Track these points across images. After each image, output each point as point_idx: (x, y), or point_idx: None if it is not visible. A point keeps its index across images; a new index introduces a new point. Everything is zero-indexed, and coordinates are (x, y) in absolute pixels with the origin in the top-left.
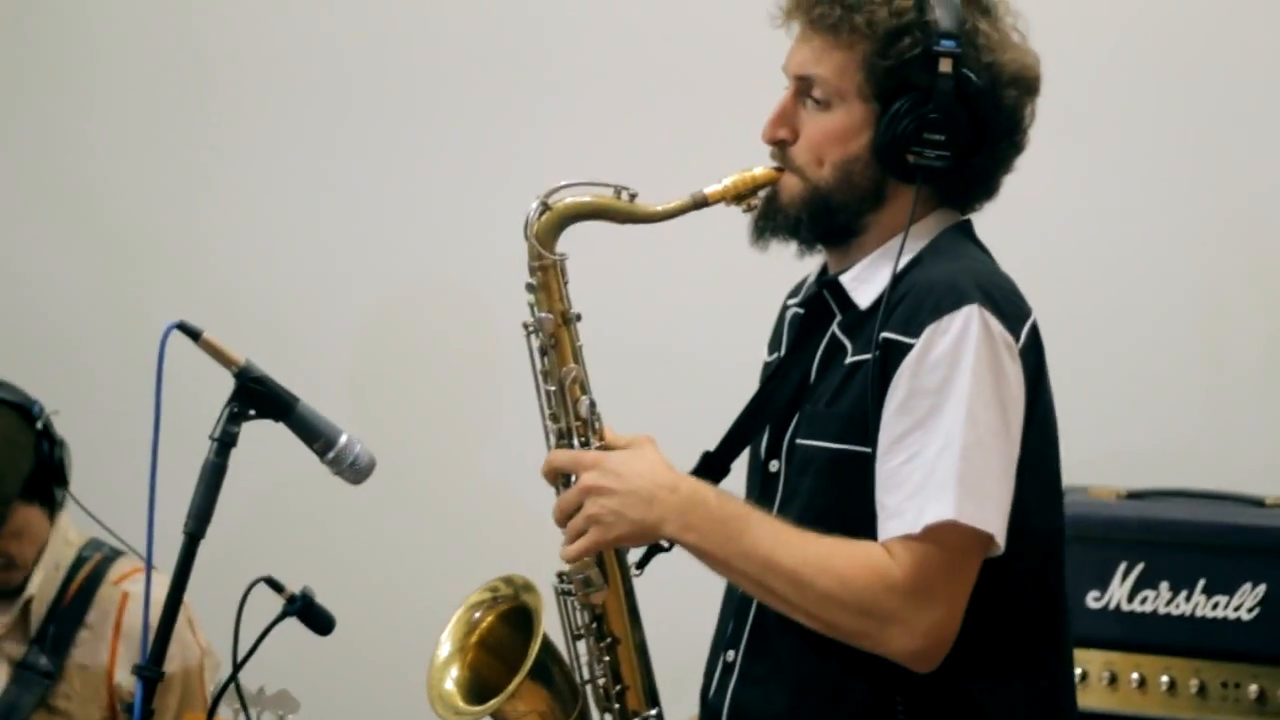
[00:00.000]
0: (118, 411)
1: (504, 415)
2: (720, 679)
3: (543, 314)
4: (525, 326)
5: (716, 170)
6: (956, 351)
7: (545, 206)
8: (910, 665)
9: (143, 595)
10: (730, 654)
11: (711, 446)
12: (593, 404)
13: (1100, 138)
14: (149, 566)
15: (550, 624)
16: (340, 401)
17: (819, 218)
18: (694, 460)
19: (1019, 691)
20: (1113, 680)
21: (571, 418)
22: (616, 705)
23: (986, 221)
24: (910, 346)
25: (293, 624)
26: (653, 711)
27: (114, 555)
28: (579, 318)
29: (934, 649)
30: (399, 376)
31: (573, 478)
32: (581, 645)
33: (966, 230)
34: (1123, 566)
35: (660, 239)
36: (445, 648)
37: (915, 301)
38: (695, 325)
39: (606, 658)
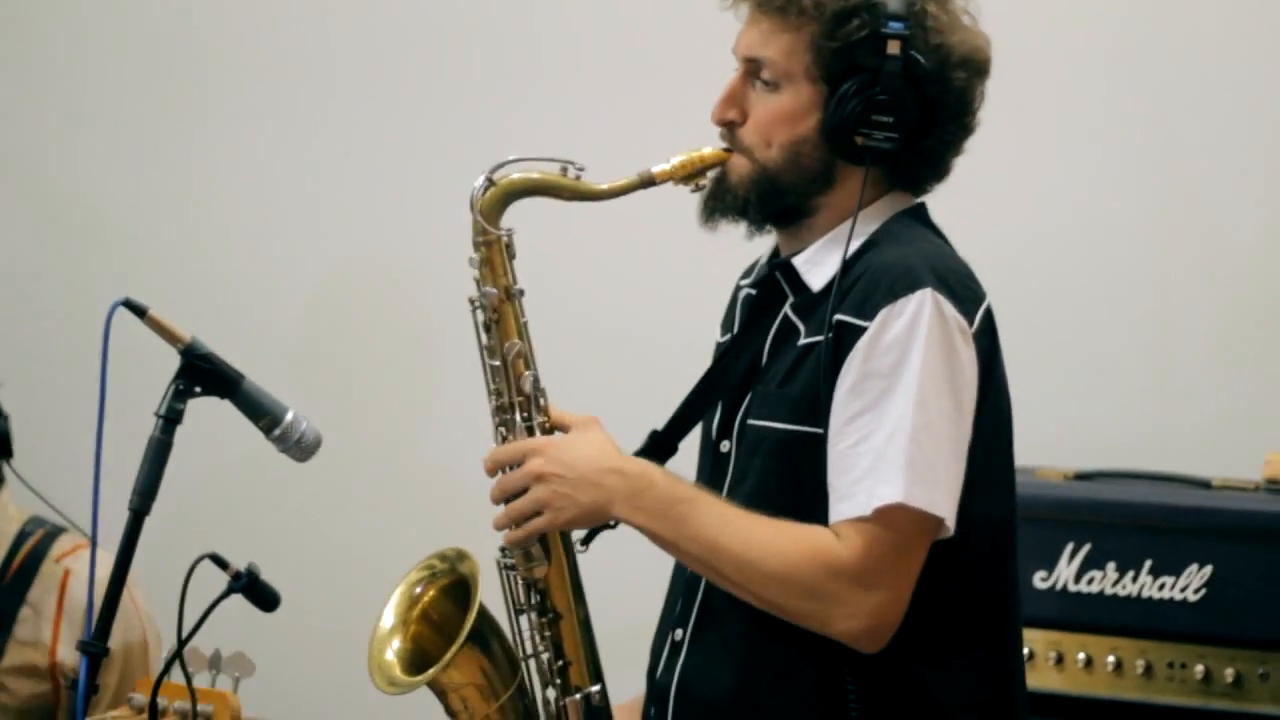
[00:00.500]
0: (62, 387)
1: (449, 390)
2: (668, 658)
3: (487, 289)
4: (471, 301)
5: (667, 151)
6: (909, 335)
7: (490, 182)
8: (855, 646)
9: (86, 572)
10: (679, 632)
11: (660, 426)
12: (536, 379)
13: (1052, 125)
14: (94, 543)
15: (495, 599)
16: (284, 378)
17: (767, 199)
18: (642, 439)
19: (968, 673)
20: (1059, 660)
21: (514, 393)
22: (559, 680)
23: (937, 205)
24: (864, 329)
25: (240, 597)
26: (595, 688)
27: (56, 532)
28: (522, 293)
29: (879, 631)
30: (344, 352)
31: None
32: (524, 620)
33: (920, 214)
34: (1069, 547)
35: (612, 217)
36: (389, 620)
37: (869, 284)
38: (646, 304)
39: (549, 633)
